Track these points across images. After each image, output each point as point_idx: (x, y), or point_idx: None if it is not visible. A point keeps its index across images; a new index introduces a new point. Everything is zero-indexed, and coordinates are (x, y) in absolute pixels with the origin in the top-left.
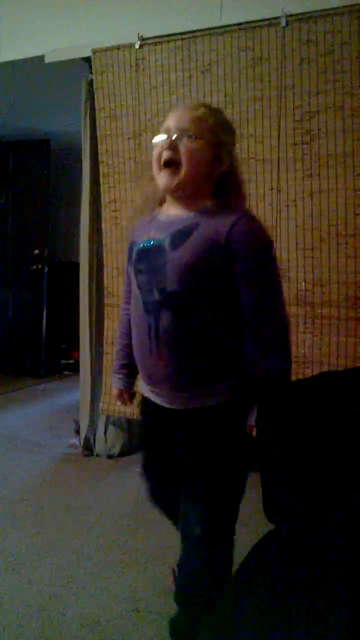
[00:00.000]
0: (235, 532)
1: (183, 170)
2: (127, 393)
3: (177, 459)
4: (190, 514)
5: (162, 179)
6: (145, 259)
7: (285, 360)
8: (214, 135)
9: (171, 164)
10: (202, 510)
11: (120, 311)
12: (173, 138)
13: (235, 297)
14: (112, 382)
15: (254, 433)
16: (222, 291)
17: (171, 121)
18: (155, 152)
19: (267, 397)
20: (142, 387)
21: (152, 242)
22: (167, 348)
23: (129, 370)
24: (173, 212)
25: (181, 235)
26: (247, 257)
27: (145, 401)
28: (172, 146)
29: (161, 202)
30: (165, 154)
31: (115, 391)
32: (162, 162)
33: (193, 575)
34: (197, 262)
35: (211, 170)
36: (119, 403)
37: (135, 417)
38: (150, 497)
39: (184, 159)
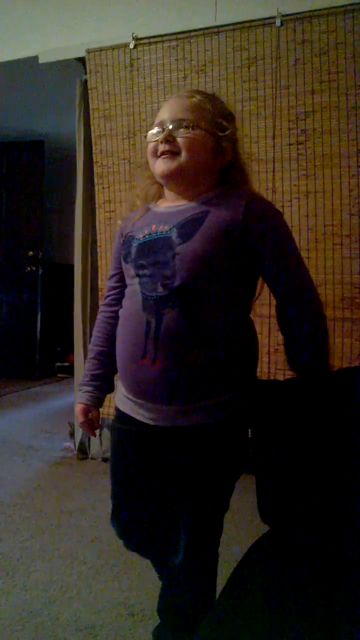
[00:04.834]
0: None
1: (182, 156)
2: (95, 412)
3: (162, 486)
4: (187, 540)
5: (159, 165)
6: (148, 254)
7: (325, 334)
8: (213, 123)
9: (169, 155)
10: (200, 536)
11: (99, 314)
12: (169, 129)
13: (246, 289)
14: (77, 397)
15: None
16: (234, 283)
17: (165, 112)
18: (150, 146)
19: (309, 372)
20: (121, 400)
21: (155, 235)
22: (167, 349)
23: (102, 383)
24: (174, 203)
25: (189, 226)
26: (270, 233)
27: (122, 417)
28: (169, 139)
29: (158, 197)
30: (162, 147)
31: (79, 408)
32: (158, 154)
33: (184, 597)
34: (212, 252)
35: (213, 160)
36: (81, 427)
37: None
38: (128, 539)
39: (182, 148)
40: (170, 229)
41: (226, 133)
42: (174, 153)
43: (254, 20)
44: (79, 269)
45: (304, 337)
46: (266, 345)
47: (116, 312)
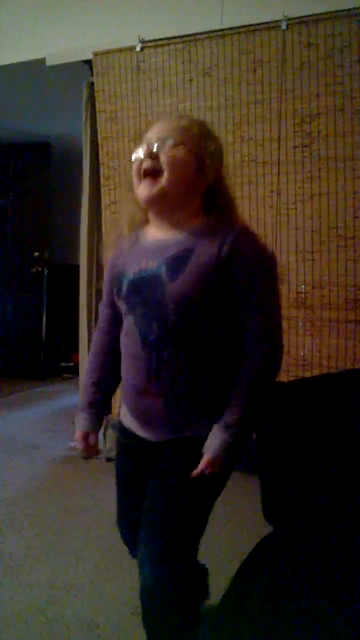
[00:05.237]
0: (196, 560)
1: (165, 177)
2: (94, 436)
3: (149, 487)
4: (154, 539)
5: (142, 190)
6: (140, 292)
7: (269, 381)
8: (198, 144)
9: (152, 174)
10: (168, 534)
11: (95, 340)
12: (154, 146)
13: (233, 324)
14: (76, 423)
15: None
16: (226, 314)
17: (153, 132)
18: (136, 164)
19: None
20: (124, 415)
21: (146, 273)
22: (168, 386)
23: (98, 410)
24: (161, 234)
25: (178, 263)
26: (248, 278)
27: (124, 432)
28: (153, 155)
29: (146, 222)
30: (146, 163)
31: (78, 435)
32: (142, 172)
33: (158, 601)
34: (198, 291)
35: (196, 181)
36: (80, 451)
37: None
38: (127, 545)
39: (165, 166)
40: (159, 266)
41: (209, 155)
42: (156, 172)
43: (260, 24)
44: (85, 270)
45: (242, 390)
46: None
47: (110, 340)
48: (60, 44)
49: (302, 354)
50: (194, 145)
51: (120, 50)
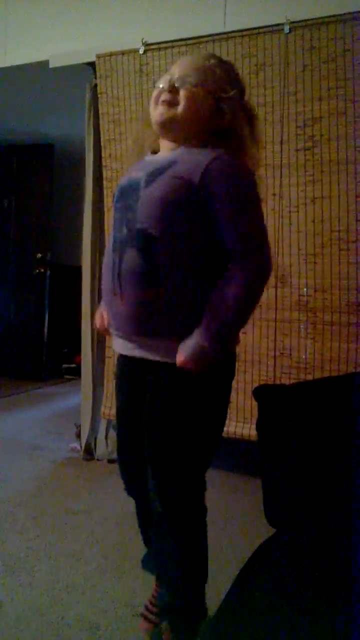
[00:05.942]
0: (205, 508)
1: (180, 107)
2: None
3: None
4: (152, 484)
5: (157, 112)
6: (122, 198)
7: (247, 306)
8: (219, 87)
9: (168, 104)
10: (164, 479)
11: None
12: (175, 82)
13: (206, 244)
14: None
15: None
16: (192, 235)
17: (177, 67)
18: (155, 93)
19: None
20: (113, 340)
21: (130, 182)
22: (128, 286)
23: None
24: (160, 154)
25: (155, 172)
26: (224, 197)
27: (117, 360)
28: (173, 90)
29: (155, 152)
30: (164, 96)
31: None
32: (159, 102)
33: (168, 558)
34: (166, 198)
35: (209, 121)
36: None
37: None
38: (123, 476)
39: (182, 101)
40: (142, 176)
41: (229, 98)
42: (173, 104)
43: (262, 27)
44: (88, 271)
45: (223, 306)
46: (272, 349)
47: None
48: (63, 45)
49: (304, 357)
50: (213, 88)
51: (123, 52)
